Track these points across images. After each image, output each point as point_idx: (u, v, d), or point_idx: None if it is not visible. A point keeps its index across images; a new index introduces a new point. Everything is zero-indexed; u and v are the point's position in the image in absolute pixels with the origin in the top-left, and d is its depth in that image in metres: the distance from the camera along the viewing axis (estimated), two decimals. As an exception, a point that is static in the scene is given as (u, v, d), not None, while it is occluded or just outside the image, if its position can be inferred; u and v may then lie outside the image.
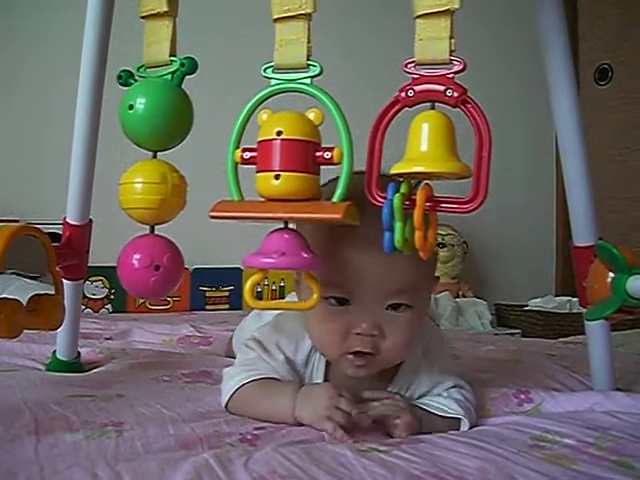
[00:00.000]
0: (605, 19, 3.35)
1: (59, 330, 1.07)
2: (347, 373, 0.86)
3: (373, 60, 3.01)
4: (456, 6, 0.67)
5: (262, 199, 0.70)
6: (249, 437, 0.77)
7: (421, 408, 0.87)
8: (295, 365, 0.90)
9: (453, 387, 0.92)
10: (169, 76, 0.85)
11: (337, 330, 0.82)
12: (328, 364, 0.91)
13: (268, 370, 0.88)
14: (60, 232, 1.09)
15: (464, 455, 0.71)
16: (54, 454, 0.69)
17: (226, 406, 0.89)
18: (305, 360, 0.91)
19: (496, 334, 2.61)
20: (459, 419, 0.87)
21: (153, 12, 0.85)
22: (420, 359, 0.92)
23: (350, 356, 0.83)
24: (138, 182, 0.83)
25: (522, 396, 0.99)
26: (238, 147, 0.72)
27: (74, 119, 1.06)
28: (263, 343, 0.92)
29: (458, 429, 0.86)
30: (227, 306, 2.68)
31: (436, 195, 0.69)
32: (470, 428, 0.87)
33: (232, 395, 0.88)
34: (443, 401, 0.89)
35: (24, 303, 0.83)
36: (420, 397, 0.91)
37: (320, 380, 0.90)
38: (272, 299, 2.62)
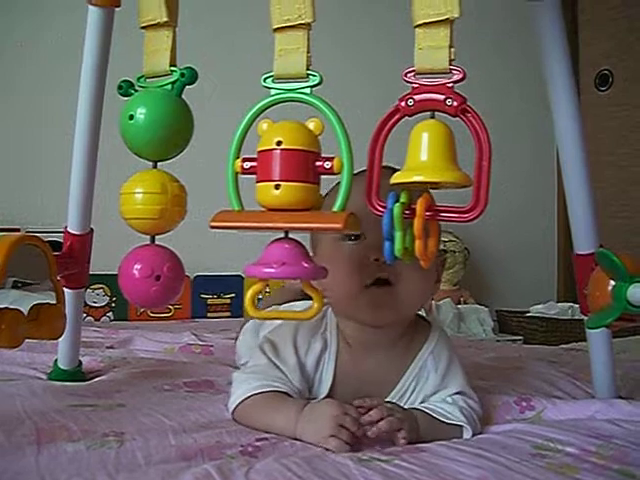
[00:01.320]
0: (606, 25, 3.36)
1: (60, 339, 1.07)
2: (366, 321, 0.89)
3: (373, 69, 3.01)
4: (455, 15, 0.67)
5: (262, 209, 0.70)
6: (250, 449, 0.77)
7: (424, 412, 0.87)
8: (305, 368, 0.91)
9: (458, 393, 0.92)
10: (169, 86, 0.85)
11: (354, 260, 0.85)
12: (336, 366, 0.91)
13: (278, 378, 0.88)
14: (61, 240, 1.09)
15: (465, 464, 0.71)
16: (55, 464, 0.69)
17: (232, 412, 0.89)
18: (315, 362, 0.91)
19: (498, 341, 2.61)
20: (461, 427, 0.87)
21: (153, 22, 0.85)
22: (427, 360, 0.92)
23: (370, 289, 0.85)
24: (138, 192, 0.83)
25: (524, 403, 0.99)
26: (238, 157, 0.72)
27: (75, 128, 1.06)
28: (278, 345, 0.92)
29: (460, 437, 0.86)
30: (228, 314, 2.68)
31: (436, 204, 0.69)
32: (473, 436, 0.87)
33: (239, 404, 0.88)
34: (447, 407, 0.89)
35: (25, 312, 0.83)
36: (425, 398, 0.92)
37: (329, 382, 0.91)
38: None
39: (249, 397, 0.87)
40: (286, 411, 0.84)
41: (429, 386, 0.92)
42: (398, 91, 0.71)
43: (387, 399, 0.91)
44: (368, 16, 3.07)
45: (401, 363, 0.93)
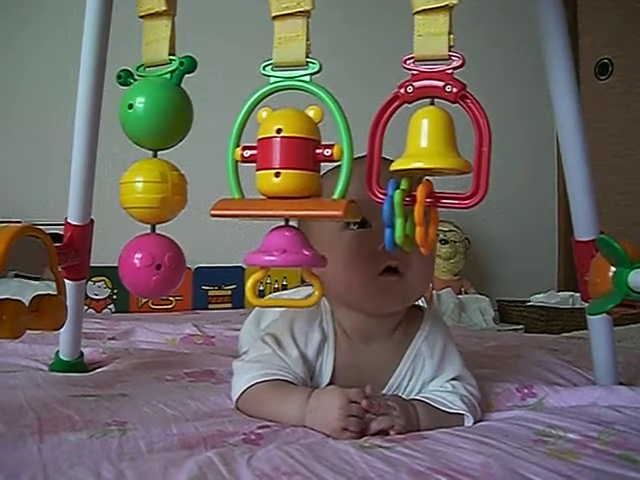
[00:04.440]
0: (605, 14, 3.35)
1: (62, 330, 1.07)
2: (375, 309, 0.89)
3: (372, 56, 3.01)
4: (455, 1, 0.67)
5: (263, 197, 0.70)
6: (252, 437, 0.77)
7: (425, 402, 0.88)
8: (307, 359, 0.91)
9: (456, 379, 0.92)
10: (168, 75, 0.85)
11: (364, 250, 0.84)
12: (335, 357, 0.91)
13: (282, 367, 0.88)
14: (62, 232, 1.09)
15: (468, 451, 0.71)
16: (57, 454, 0.69)
17: (236, 401, 0.89)
18: (316, 353, 0.91)
19: (499, 330, 2.61)
20: (463, 415, 0.87)
21: (152, 11, 0.85)
22: (421, 347, 0.93)
23: (380, 277, 0.85)
24: (138, 181, 0.83)
25: (525, 390, 0.99)
26: (238, 145, 0.72)
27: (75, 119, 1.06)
28: (279, 338, 0.92)
29: (462, 425, 0.86)
30: (230, 305, 2.68)
31: (437, 191, 0.69)
32: (475, 424, 0.87)
33: (244, 392, 0.88)
34: (448, 397, 0.89)
35: (26, 303, 0.83)
36: (424, 384, 0.92)
37: (329, 373, 0.91)
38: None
39: (253, 385, 0.87)
40: (293, 400, 0.84)
41: (426, 373, 0.92)
42: (397, 78, 0.71)
43: (385, 388, 0.92)
44: (366, 4, 3.07)
45: (397, 352, 0.93)
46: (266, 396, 0.87)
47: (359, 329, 0.92)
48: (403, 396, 0.91)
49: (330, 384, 0.91)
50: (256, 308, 1.20)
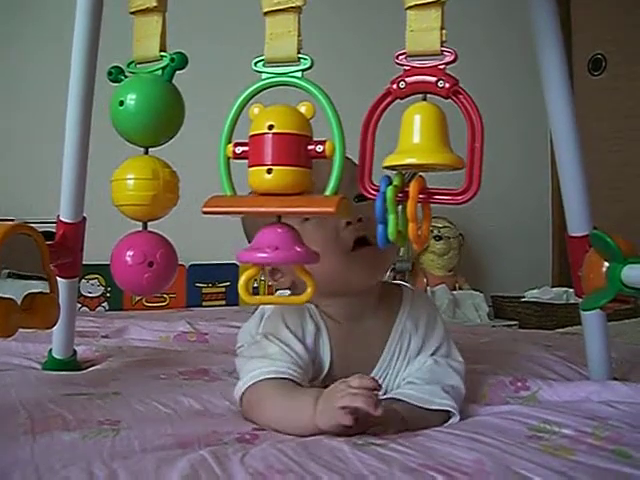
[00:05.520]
0: (598, 9, 3.35)
1: (55, 328, 1.07)
2: (359, 283, 0.90)
3: (365, 53, 3.00)
4: (447, -4, 0.67)
5: (255, 194, 0.70)
6: (247, 436, 0.77)
7: (407, 402, 0.86)
8: (309, 351, 0.90)
9: (439, 350, 0.94)
10: (159, 71, 0.84)
11: (329, 234, 0.86)
12: (331, 344, 0.91)
13: (290, 363, 0.86)
14: (54, 230, 1.09)
15: (461, 447, 0.71)
16: (50, 453, 0.69)
17: (242, 394, 0.86)
18: (313, 342, 0.91)
19: (493, 326, 2.61)
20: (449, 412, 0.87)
21: (142, 7, 0.84)
22: (406, 323, 0.94)
23: (354, 252, 0.87)
24: (130, 178, 0.82)
25: (519, 383, 1.00)
26: (230, 142, 0.72)
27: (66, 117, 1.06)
28: (278, 335, 0.91)
29: (447, 418, 0.86)
30: (223, 302, 2.67)
31: (429, 187, 0.69)
32: (461, 419, 0.86)
33: (249, 387, 0.84)
34: (431, 389, 0.87)
35: (19, 302, 0.83)
36: (410, 360, 0.93)
37: (328, 359, 0.91)
38: (269, 294, 2.60)
39: (261, 381, 0.84)
40: (302, 400, 0.80)
41: (413, 349, 0.94)
42: (390, 74, 0.70)
43: (376, 367, 0.93)
44: (357, 2, 3.06)
45: (384, 330, 0.94)
46: (274, 391, 0.83)
47: (345, 313, 0.93)
48: (393, 375, 0.93)
49: (329, 371, 0.91)
50: (260, 307, 1.19)
